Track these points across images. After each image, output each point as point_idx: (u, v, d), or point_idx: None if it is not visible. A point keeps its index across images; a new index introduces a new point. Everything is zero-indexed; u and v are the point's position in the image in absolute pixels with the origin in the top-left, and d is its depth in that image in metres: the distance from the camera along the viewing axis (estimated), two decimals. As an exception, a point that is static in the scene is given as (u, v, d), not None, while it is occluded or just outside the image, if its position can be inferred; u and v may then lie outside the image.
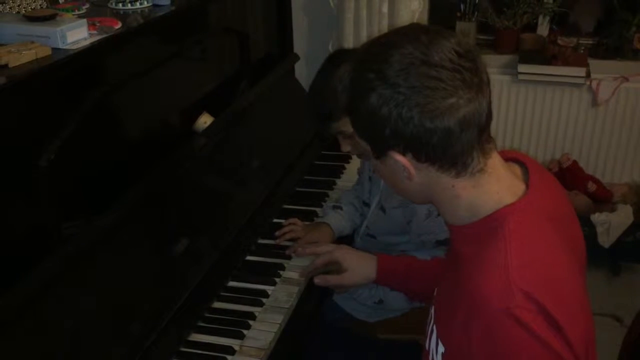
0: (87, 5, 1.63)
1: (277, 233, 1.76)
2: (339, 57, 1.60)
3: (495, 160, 0.96)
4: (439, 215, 1.51)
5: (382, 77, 0.89)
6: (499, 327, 0.86)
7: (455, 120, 0.88)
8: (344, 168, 2.15)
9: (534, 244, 0.92)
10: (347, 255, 1.49)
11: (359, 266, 1.47)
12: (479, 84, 0.90)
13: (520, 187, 0.98)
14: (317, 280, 1.50)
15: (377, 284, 1.51)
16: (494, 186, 0.95)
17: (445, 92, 0.87)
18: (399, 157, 0.92)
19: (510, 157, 1.04)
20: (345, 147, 1.59)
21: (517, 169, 1.02)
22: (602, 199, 2.85)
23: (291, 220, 1.78)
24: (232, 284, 1.60)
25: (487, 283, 0.88)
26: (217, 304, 1.53)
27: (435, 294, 1.10)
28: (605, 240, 2.75)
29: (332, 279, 1.49)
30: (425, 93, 0.87)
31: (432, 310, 1.07)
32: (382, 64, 0.90)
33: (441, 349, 0.99)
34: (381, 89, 0.89)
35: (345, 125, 1.52)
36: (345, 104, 0.99)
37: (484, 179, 0.94)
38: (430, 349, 1.04)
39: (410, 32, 0.93)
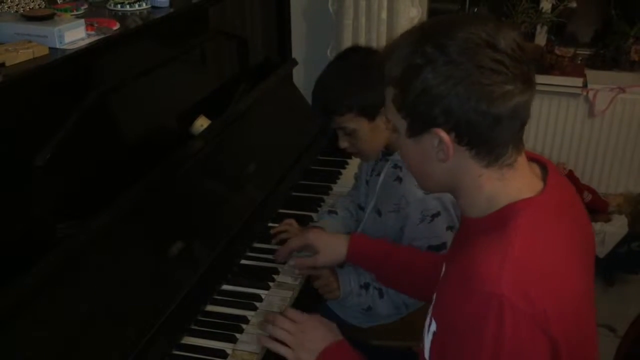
0: (86, 6, 1.63)
1: (272, 231, 1.76)
2: (350, 53, 1.60)
3: (523, 159, 0.98)
4: (432, 221, 1.52)
5: (445, 53, 0.88)
6: (484, 309, 0.87)
7: (509, 108, 0.89)
8: (340, 173, 2.15)
9: (540, 239, 0.93)
10: (318, 237, 1.54)
11: (329, 246, 1.52)
12: (531, 80, 0.91)
13: (539, 185, 0.99)
14: (292, 263, 1.56)
15: (348, 262, 1.54)
16: (517, 182, 0.96)
17: (507, 77, 0.88)
18: (444, 135, 0.91)
19: (533, 158, 1.05)
20: (343, 143, 1.59)
21: (537, 169, 1.03)
22: (598, 209, 2.86)
23: (287, 221, 1.78)
24: (226, 287, 1.59)
25: (483, 266, 0.89)
26: (210, 307, 1.52)
27: (439, 280, 1.10)
28: (600, 250, 2.75)
29: (307, 261, 1.54)
30: (488, 75, 0.87)
31: (434, 296, 1.08)
32: (447, 39, 0.88)
33: (433, 327, 1.00)
34: (441, 65, 0.88)
35: (348, 122, 1.53)
36: (394, 76, 0.95)
37: (509, 173, 0.95)
38: (424, 330, 1.05)
39: (477, 16, 0.94)
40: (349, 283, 1.59)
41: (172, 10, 1.69)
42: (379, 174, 1.64)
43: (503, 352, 0.86)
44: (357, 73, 1.49)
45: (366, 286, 1.59)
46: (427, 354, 1.02)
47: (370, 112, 1.49)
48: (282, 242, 1.73)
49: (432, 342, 1.00)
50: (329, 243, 1.53)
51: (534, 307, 0.86)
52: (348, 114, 1.50)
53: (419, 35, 0.92)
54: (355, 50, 1.65)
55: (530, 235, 0.92)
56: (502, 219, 0.94)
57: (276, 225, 1.80)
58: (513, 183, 0.96)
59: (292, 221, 1.79)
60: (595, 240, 1.11)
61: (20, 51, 1.25)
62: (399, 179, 1.56)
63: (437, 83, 0.88)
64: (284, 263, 1.66)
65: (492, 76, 0.87)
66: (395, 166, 1.58)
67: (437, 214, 1.51)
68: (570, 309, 0.91)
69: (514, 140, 0.94)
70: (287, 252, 1.61)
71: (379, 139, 1.55)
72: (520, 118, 0.92)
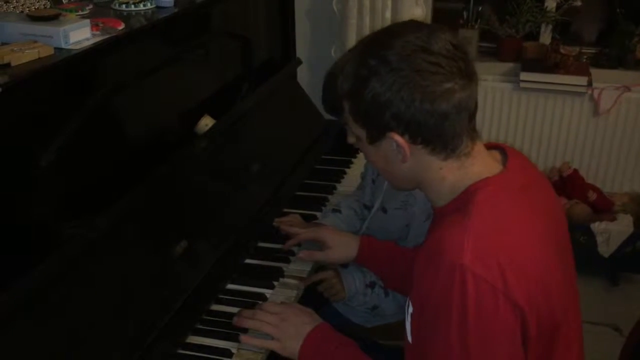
0: (91, 6, 1.63)
1: (277, 219, 1.77)
2: None
3: (479, 147, 1.04)
4: None
5: (386, 63, 0.95)
6: (449, 280, 0.92)
7: (452, 104, 0.95)
8: (345, 173, 2.14)
9: (499, 212, 0.99)
10: (331, 234, 1.58)
11: (341, 244, 1.55)
12: (471, 74, 0.98)
13: (498, 168, 1.05)
14: (302, 255, 1.59)
15: (357, 263, 1.57)
16: (476, 167, 1.03)
17: (444, 77, 0.94)
18: (398, 138, 0.99)
19: (492, 146, 1.12)
20: (351, 139, 1.59)
21: (497, 155, 1.10)
22: (603, 208, 2.85)
23: (292, 215, 1.79)
24: (230, 286, 1.60)
25: (446, 240, 0.95)
26: (215, 307, 1.52)
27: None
28: (605, 249, 2.74)
29: (317, 255, 1.57)
30: (427, 77, 0.94)
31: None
32: (386, 50, 0.96)
33: (410, 309, 1.05)
34: (384, 74, 0.95)
35: None
36: (345, 90, 1.03)
37: (468, 161, 1.02)
38: (405, 315, 1.09)
39: (410, 25, 1.01)
40: (354, 283, 1.59)
41: (176, 10, 1.69)
42: None
43: (469, 320, 0.91)
44: (346, 65, 1.49)
45: (372, 285, 1.59)
46: (409, 337, 1.07)
47: None
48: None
49: (411, 323, 1.05)
50: (341, 241, 1.56)
51: (495, 275, 0.91)
52: None
53: (361, 50, 1.01)
54: None
55: (490, 208, 0.98)
56: (464, 199, 1.01)
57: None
58: (473, 169, 1.02)
59: (297, 215, 1.79)
60: (566, 220, 1.16)
61: (26, 51, 1.25)
62: None
63: (383, 91, 0.96)
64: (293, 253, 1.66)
65: (431, 77, 0.94)
66: None
67: None
68: (534, 278, 0.95)
69: (466, 131, 1.00)
70: (296, 241, 1.63)
71: None
72: (466, 111, 0.98)
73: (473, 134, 1.02)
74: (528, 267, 0.95)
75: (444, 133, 0.97)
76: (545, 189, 1.13)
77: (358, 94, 0.99)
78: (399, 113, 0.96)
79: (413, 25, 1.01)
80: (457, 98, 0.95)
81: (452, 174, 1.02)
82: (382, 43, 0.98)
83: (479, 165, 1.03)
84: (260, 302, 1.54)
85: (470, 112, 0.99)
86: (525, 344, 0.96)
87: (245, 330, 1.40)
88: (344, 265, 1.64)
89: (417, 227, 1.56)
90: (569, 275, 1.09)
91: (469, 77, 0.97)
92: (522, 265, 0.94)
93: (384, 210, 1.65)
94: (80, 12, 1.55)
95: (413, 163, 1.02)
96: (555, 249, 1.05)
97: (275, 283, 1.60)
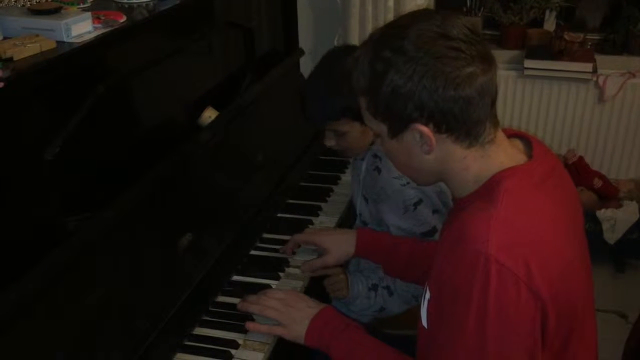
0: (92, -1, 1.63)
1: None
2: (335, 55, 1.58)
3: (501, 134, 1.03)
4: (415, 209, 1.53)
5: (402, 53, 0.93)
6: (472, 266, 0.91)
7: (475, 89, 0.94)
8: (349, 163, 2.14)
9: (525, 202, 0.97)
10: (324, 237, 1.56)
11: (338, 244, 1.53)
12: (490, 58, 0.96)
13: (522, 157, 1.04)
14: (303, 268, 1.56)
15: (357, 256, 1.56)
16: (499, 156, 1.01)
17: (465, 61, 0.93)
18: (422, 128, 0.96)
19: (513, 134, 1.10)
20: (330, 142, 1.59)
21: (519, 144, 1.08)
22: (608, 195, 2.84)
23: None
24: (236, 278, 1.60)
25: (472, 227, 0.94)
26: (221, 298, 1.53)
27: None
28: (611, 236, 2.74)
29: (316, 263, 1.55)
30: (448, 62, 0.92)
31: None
32: (401, 41, 0.94)
33: (427, 295, 1.04)
34: (401, 64, 0.93)
35: (341, 126, 1.53)
36: (361, 87, 1.01)
37: (492, 149, 1.00)
38: (421, 302, 1.09)
39: (422, 13, 1.00)
40: (358, 286, 1.59)
41: (178, 1, 1.68)
42: (363, 158, 1.64)
43: (489, 308, 0.90)
44: (344, 78, 1.44)
45: (374, 287, 1.59)
46: (424, 322, 1.06)
47: None
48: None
49: (428, 308, 1.04)
50: (338, 241, 1.54)
51: (519, 265, 0.90)
52: (343, 119, 1.51)
53: (374, 44, 0.98)
54: (336, 54, 1.59)
55: (516, 197, 0.96)
56: (489, 187, 0.99)
57: (286, 215, 1.82)
58: (496, 158, 1.01)
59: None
60: (582, 209, 1.16)
61: (28, 45, 1.25)
62: (378, 170, 1.57)
63: (403, 82, 0.93)
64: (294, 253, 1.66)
65: (452, 62, 0.92)
66: (375, 155, 1.59)
67: (419, 202, 1.53)
68: (557, 270, 0.94)
69: (489, 117, 0.99)
70: (291, 245, 1.62)
71: (366, 140, 1.56)
72: (489, 95, 0.96)
73: (495, 120, 1.01)
74: (551, 259, 0.94)
75: (468, 119, 0.95)
76: (565, 178, 1.12)
77: (376, 89, 0.97)
78: (422, 102, 0.94)
79: (423, 13, 0.99)
80: (479, 82, 0.93)
81: (476, 162, 1.00)
82: (394, 34, 0.95)
83: (503, 153, 1.01)
84: (266, 293, 1.54)
85: (492, 97, 0.97)
86: (543, 335, 0.94)
87: (249, 317, 1.40)
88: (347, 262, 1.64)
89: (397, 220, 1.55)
90: (586, 265, 1.08)
91: (489, 61, 0.95)
92: (545, 257, 0.93)
93: (365, 199, 1.65)
94: (82, 5, 1.55)
95: (437, 153, 1.00)
96: (576, 240, 1.04)
97: (281, 274, 1.61)
